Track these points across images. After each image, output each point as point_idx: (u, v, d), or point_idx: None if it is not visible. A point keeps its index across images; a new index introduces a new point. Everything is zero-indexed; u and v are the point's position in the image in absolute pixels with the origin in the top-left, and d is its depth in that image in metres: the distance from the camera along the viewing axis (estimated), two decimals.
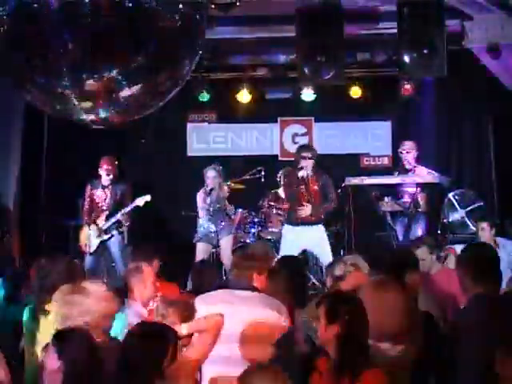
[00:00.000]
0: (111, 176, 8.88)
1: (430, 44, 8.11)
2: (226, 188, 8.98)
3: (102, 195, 8.91)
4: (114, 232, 8.85)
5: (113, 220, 8.79)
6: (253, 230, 9.82)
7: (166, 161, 11.32)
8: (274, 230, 9.64)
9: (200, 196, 8.91)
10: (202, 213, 8.87)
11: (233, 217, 9.38)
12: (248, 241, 9.74)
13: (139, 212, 10.28)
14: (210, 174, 8.86)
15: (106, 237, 8.81)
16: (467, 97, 10.84)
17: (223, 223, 8.90)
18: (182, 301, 3.98)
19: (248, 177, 10.27)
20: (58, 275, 4.46)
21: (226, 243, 8.92)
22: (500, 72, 9.21)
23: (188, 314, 3.90)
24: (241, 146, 11.90)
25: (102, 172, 8.87)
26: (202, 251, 8.78)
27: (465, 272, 4.00)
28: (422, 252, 5.91)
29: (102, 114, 4.22)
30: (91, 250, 8.79)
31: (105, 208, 8.88)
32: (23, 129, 10.10)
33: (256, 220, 9.90)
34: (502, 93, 9.38)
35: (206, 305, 4.17)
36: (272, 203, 9.93)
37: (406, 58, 8.32)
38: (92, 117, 4.26)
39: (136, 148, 11.39)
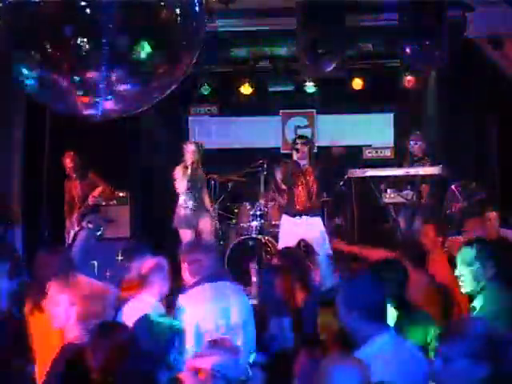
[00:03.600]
0: (75, 171, 9.21)
1: (432, 35, 8.09)
2: (201, 171, 8.86)
3: (74, 189, 9.24)
4: (83, 224, 9.07)
5: (80, 213, 9.07)
6: (255, 223, 9.81)
7: (167, 154, 11.30)
8: (276, 222, 9.63)
9: (178, 170, 8.69)
10: (181, 186, 8.64)
11: (210, 208, 9.13)
12: (252, 234, 9.73)
13: (140, 206, 10.33)
14: (190, 148, 8.70)
15: (76, 229, 9.08)
16: (469, 88, 10.80)
17: (202, 204, 8.80)
18: None
19: (250, 169, 10.26)
20: (54, 270, 4.42)
21: (205, 225, 8.77)
22: (502, 63, 9.19)
23: None
24: (243, 138, 11.90)
25: (67, 168, 9.25)
26: (185, 239, 8.45)
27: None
28: None
29: (102, 109, 4.21)
30: (69, 241, 9.06)
31: (77, 202, 9.18)
32: (25, 124, 10.10)
33: (258, 213, 9.88)
34: (505, 83, 9.36)
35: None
36: (273, 196, 9.93)
37: (408, 50, 8.30)
38: (92, 111, 4.25)
39: (137, 142, 11.40)
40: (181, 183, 8.62)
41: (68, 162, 9.20)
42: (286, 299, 4.76)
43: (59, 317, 3.91)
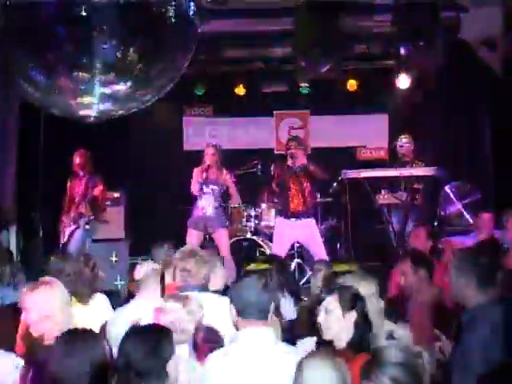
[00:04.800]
0: (83, 169, 9.04)
1: (426, 36, 8.10)
2: (225, 172, 8.49)
3: (75, 187, 9.07)
4: (81, 223, 8.91)
5: (78, 211, 8.92)
6: (250, 224, 9.81)
7: (161, 155, 11.29)
8: (270, 223, 9.62)
9: (196, 172, 8.43)
10: (194, 189, 8.35)
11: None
12: (247, 235, 9.71)
13: (135, 206, 10.32)
14: (209, 151, 8.43)
15: (73, 227, 8.91)
16: (463, 88, 10.81)
17: (216, 210, 8.41)
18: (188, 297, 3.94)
19: (244, 170, 10.23)
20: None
21: (220, 238, 8.45)
22: (496, 63, 9.20)
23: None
24: (237, 139, 11.87)
25: (75, 166, 9.07)
26: (190, 236, 8.32)
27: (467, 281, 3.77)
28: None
29: (97, 110, 4.20)
30: (64, 241, 8.91)
31: (77, 199, 9.02)
32: (19, 124, 10.07)
33: (253, 214, 9.88)
34: (498, 84, 9.37)
35: None
36: (267, 197, 9.92)
37: (402, 50, 8.30)
38: (87, 112, 4.24)
39: (131, 143, 11.37)
40: (193, 185, 8.37)
41: (76, 162, 9.01)
42: None
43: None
